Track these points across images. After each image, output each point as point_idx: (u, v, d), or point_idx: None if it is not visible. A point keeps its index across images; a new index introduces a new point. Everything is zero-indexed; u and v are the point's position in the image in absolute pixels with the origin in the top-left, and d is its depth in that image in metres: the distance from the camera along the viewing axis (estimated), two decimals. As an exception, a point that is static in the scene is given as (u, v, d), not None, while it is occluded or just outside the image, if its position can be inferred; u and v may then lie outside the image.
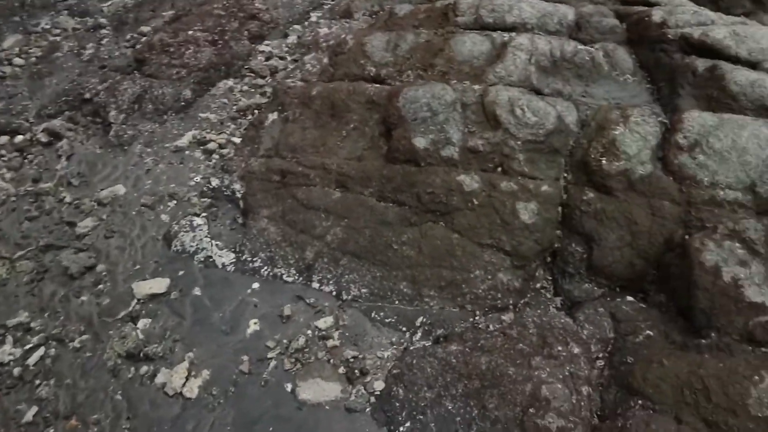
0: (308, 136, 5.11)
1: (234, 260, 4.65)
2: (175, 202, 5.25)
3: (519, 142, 4.40)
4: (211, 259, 4.67)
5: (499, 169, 4.37)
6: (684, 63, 4.76)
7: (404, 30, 5.73)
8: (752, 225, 3.74)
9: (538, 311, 3.97)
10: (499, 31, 5.36)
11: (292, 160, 4.98)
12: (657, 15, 5.23)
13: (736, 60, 4.58)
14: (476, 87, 4.76)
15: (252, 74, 6.72)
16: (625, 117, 4.41)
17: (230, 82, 6.66)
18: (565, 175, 4.39)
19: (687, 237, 3.84)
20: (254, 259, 4.60)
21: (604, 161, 4.21)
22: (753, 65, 4.53)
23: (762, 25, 5.49)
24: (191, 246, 4.77)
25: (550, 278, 4.24)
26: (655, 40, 5.07)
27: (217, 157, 5.67)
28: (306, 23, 7.57)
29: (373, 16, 7.09)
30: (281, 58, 6.89)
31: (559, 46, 5.16)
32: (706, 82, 4.56)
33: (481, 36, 5.30)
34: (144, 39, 7.27)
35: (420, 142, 4.52)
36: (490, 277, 4.08)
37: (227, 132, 5.96)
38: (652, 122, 4.38)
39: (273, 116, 5.55)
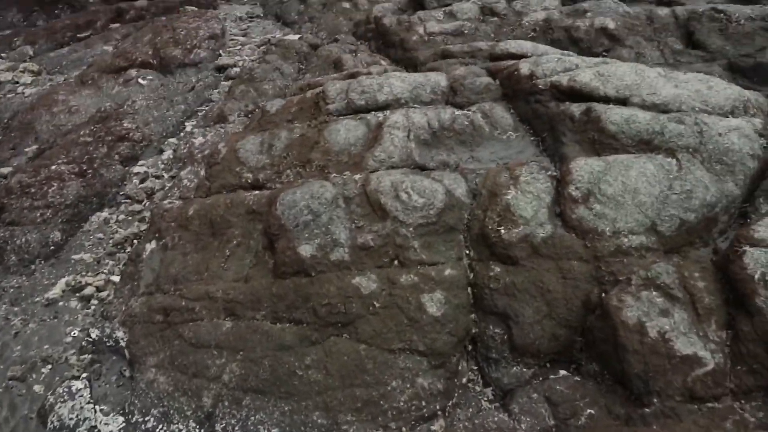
0: (190, 263, 4.60)
1: (123, 425, 3.99)
2: (50, 366, 4.56)
3: (411, 229, 4.06)
4: (96, 430, 3.99)
5: (396, 262, 3.99)
6: (560, 110, 4.70)
7: (278, 127, 5.43)
8: (663, 268, 3.54)
9: (470, 410, 3.54)
10: (372, 112, 5.15)
11: (174, 294, 4.43)
12: (524, 67, 5.21)
13: (606, 99, 4.55)
14: (357, 176, 4.44)
15: (128, 200, 6.19)
16: (515, 178, 4.22)
17: (105, 214, 6.10)
18: (467, 252, 4.07)
19: (603, 295, 3.58)
20: (146, 419, 3.96)
21: (502, 230, 3.94)
22: (623, 102, 4.50)
23: (621, 60, 5.60)
24: (71, 419, 4.07)
25: (476, 368, 3.83)
26: (528, 92, 5.02)
27: (95, 302, 5.05)
28: (181, 134, 7.13)
29: (249, 116, 6.78)
30: (157, 177, 6.40)
31: (436, 116, 5.00)
32: (585, 126, 4.49)
33: (355, 120, 5.06)
34: (3, 183, 6.62)
35: (306, 250, 4.10)
36: (408, 385, 3.63)
37: (105, 271, 5.36)
38: (542, 178, 4.20)
39: (151, 245, 5.02)
